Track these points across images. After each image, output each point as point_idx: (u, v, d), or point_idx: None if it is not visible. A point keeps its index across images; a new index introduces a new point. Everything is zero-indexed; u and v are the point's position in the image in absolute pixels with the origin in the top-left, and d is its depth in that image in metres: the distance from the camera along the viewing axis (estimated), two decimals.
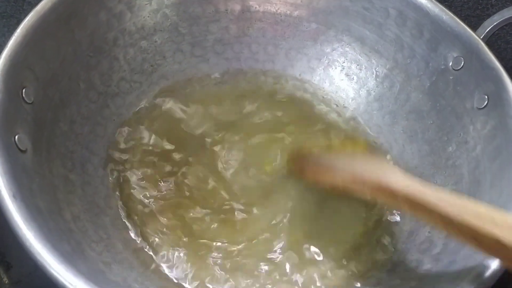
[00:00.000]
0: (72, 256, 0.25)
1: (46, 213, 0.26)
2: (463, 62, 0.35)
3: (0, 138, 0.25)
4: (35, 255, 0.22)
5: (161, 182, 0.35)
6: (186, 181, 0.36)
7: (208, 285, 0.31)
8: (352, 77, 0.42)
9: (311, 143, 0.39)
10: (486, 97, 0.34)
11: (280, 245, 0.33)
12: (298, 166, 0.37)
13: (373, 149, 0.39)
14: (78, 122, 0.34)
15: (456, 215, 0.24)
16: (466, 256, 0.27)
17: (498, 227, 0.23)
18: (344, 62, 0.42)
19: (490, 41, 0.39)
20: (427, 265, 0.30)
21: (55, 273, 0.21)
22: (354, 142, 0.40)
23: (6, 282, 0.34)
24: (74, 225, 0.28)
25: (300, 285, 0.32)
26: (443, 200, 0.25)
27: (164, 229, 0.33)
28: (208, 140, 0.38)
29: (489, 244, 0.23)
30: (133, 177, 0.35)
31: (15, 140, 0.26)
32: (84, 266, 0.25)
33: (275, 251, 0.33)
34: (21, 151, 0.26)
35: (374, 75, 0.41)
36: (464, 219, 0.24)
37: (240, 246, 0.33)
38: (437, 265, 0.29)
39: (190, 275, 0.31)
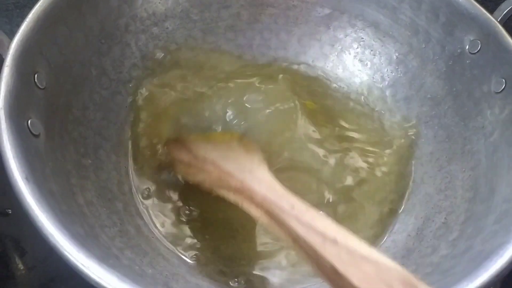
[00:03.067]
0: (85, 240, 0.25)
1: (59, 196, 0.26)
2: (480, 46, 0.35)
3: (12, 121, 0.25)
4: (47, 235, 0.22)
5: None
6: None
7: (223, 269, 0.31)
8: (365, 62, 0.41)
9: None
10: (503, 80, 0.33)
11: None
12: (172, 157, 0.35)
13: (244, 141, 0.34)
14: (90, 108, 0.34)
15: (303, 231, 0.23)
16: (484, 241, 0.27)
17: (337, 250, 0.21)
18: (357, 47, 0.42)
19: (507, 23, 0.38)
20: (443, 251, 0.29)
21: (67, 254, 0.21)
22: (232, 134, 0.36)
23: (21, 268, 0.35)
24: (87, 210, 0.29)
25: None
26: (297, 211, 0.24)
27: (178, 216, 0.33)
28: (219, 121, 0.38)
29: (327, 270, 0.21)
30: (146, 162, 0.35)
31: (27, 124, 0.26)
32: (98, 249, 0.25)
33: None
34: (34, 135, 0.27)
35: (388, 61, 0.40)
36: (309, 237, 0.22)
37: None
38: (454, 251, 0.29)
39: (202, 261, 0.31)
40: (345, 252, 0.21)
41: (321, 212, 0.25)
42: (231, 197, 0.28)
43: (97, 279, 0.21)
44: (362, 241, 0.22)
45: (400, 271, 0.21)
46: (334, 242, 0.22)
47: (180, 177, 0.34)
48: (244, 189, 0.27)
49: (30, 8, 0.29)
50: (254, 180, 0.27)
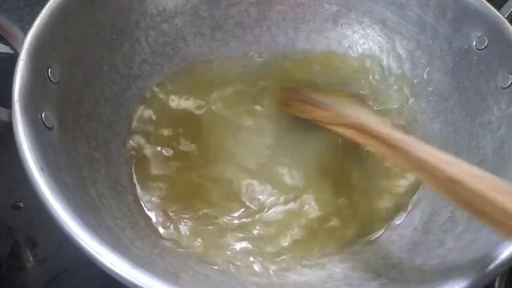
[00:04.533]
0: (98, 229, 0.25)
1: (73, 188, 0.26)
2: (487, 42, 0.35)
3: (27, 114, 0.25)
4: (62, 224, 0.22)
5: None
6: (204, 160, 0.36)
7: (232, 260, 0.31)
8: (373, 59, 0.42)
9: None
10: (510, 76, 0.33)
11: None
12: (287, 98, 0.39)
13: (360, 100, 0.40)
14: (101, 103, 0.34)
15: (418, 153, 0.27)
16: (490, 233, 0.27)
17: (455, 168, 0.25)
18: (365, 44, 0.42)
19: None
20: (449, 244, 0.30)
21: (81, 241, 0.22)
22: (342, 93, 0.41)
23: (33, 259, 0.35)
24: (99, 202, 0.29)
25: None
26: (410, 141, 0.29)
27: (184, 207, 0.34)
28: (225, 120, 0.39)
29: (442, 180, 0.25)
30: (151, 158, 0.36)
31: (41, 117, 0.27)
32: (109, 239, 0.26)
33: None
34: (48, 128, 0.27)
35: (395, 57, 0.41)
36: (424, 157, 0.27)
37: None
38: (460, 244, 0.29)
39: (212, 252, 0.31)
40: (461, 169, 0.25)
41: None
42: (345, 132, 0.33)
43: (110, 266, 0.21)
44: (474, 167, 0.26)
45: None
46: (450, 163, 0.26)
47: (294, 113, 0.38)
48: (361, 125, 0.32)
49: (41, 6, 0.30)
50: (370, 121, 0.32)
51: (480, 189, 0.23)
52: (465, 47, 0.36)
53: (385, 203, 0.35)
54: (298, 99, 0.38)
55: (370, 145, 0.32)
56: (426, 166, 0.27)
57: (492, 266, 0.24)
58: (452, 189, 0.25)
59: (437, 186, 0.26)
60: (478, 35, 0.35)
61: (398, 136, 0.30)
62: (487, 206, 0.23)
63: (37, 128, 0.26)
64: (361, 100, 0.40)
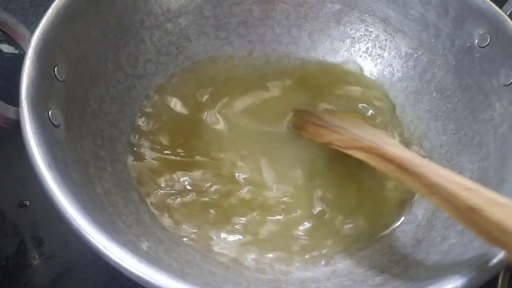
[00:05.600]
0: (105, 226, 0.25)
1: (80, 185, 0.27)
2: (489, 39, 0.35)
3: (34, 111, 0.26)
4: (70, 219, 0.22)
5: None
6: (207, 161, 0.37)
7: (236, 256, 0.32)
8: (375, 57, 0.42)
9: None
10: None
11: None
12: (301, 121, 0.38)
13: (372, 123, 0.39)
14: (107, 101, 0.35)
15: (438, 180, 0.26)
16: None
17: (474, 195, 0.24)
18: (367, 43, 0.42)
19: None
20: (452, 240, 0.30)
21: (89, 237, 0.22)
22: (354, 114, 0.40)
23: (39, 257, 0.35)
24: (105, 199, 0.29)
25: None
26: (430, 167, 0.28)
27: (188, 204, 0.34)
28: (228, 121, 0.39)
29: (463, 210, 0.24)
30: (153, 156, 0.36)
31: (48, 115, 0.27)
32: (116, 235, 0.26)
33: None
34: (55, 125, 0.27)
35: (398, 55, 0.41)
36: (444, 184, 0.26)
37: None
38: (463, 239, 0.29)
39: (215, 248, 0.32)
40: (480, 196, 0.24)
41: None
42: (359, 155, 0.32)
43: (118, 261, 0.22)
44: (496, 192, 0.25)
45: None
46: (470, 189, 0.25)
47: (308, 137, 0.37)
48: (376, 148, 0.31)
49: (45, 6, 0.30)
50: (385, 144, 0.31)
51: (499, 218, 0.23)
52: (468, 45, 0.36)
53: (389, 199, 0.35)
54: (311, 122, 0.37)
55: (386, 169, 0.30)
56: (443, 193, 0.26)
57: (495, 260, 0.24)
58: (471, 218, 0.24)
59: (456, 215, 0.25)
60: (480, 32, 0.35)
61: (415, 160, 0.29)
62: (507, 236, 0.22)
63: (44, 126, 0.26)
64: (374, 122, 0.39)
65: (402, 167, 0.29)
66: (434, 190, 0.26)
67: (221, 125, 0.39)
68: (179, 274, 0.27)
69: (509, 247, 0.23)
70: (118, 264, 0.22)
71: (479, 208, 0.24)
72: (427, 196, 0.27)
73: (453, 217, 0.26)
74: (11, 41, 0.32)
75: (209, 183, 0.35)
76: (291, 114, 0.39)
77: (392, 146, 0.31)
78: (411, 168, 0.28)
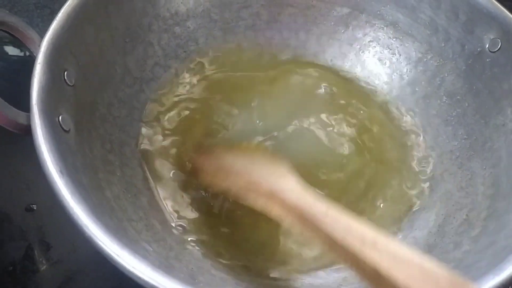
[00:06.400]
0: (116, 232, 0.25)
1: (90, 190, 0.26)
2: (500, 44, 0.35)
3: (45, 116, 0.25)
4: (83, 227, 0.22)
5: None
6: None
7: (247, 263, 0.31)
8: (384, 61, 0.42)
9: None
10: None
11: None
12: (197, 165, 0.34)
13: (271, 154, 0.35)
14: (115, 105, 0.34)
15: (340, 236, 0.23)
16: (508, 236, 0.27)
17: (378, 253, 0.21)
18: (376, 47, 0.42)
19: None
20: (466, 247, 0.30)
21: (101, 244, 0.22)
22: (254, 146, 0.37)
23: (46, 262, 0.35)
24: (114, 203, 0.29)
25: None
26: (331, 218, 0.24)
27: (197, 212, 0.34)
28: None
29: (369, 272, 0.21)
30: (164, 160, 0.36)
31: (59, 120, 0.27)
32: (128, 242, 0.26)
33: None
34: (65, 131, 0.27)
35: (407, 59, 0.41)
36: (347, 242, 0.22)
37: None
38: (476, 247, 0.29)
39: (228, 255, 0.32)
40: (387, 255, 0.21)
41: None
42: (259, 203, 0.28)
43: (131, 269, 0.21)
44: (402, 244, 0.22)
45: (446, 273, 0.20)
46: (374, 245, 0.22)
47: (202, 186, 0.34)
48: (274, 195, 0.27)
49: (50, 8, 0.30)
50: (284, 187, 0.27)
51: (404, 280, 0.20)
52: (478, 49, 0.36)
53: (398, 206, 0.35)
54: (206, 166, 0.33)
55: (287, 221, 0.26)
56: (348, 253, 0.22)
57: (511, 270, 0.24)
58: (378, 281, 0.21)
59: (363, 277, 0.22)
60: (491, 37, 0.35)
61: (316, 209, 0.25)
62: None
63: (55, 131, 0.26)
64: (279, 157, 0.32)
65: (302, 218, 0.25)
66: (339, 249, 0.23)
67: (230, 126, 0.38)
68: (190, 281, 0.27)
69: None
70: (131, 272, 0.21)
71: (383, 268, 0.21)
72: (330, 253, 0.24)
73: (360, 279, 0.23)
74: (16, 43, 0.32)
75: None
76: (191, 153, 0.36)
77: (291, 191, 0.27)
78: (311, 219, 0.25)
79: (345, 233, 0.23)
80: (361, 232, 0.23)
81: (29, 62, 0.27)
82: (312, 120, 0.38)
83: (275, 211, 0.27)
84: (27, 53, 0.32)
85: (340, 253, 0.23)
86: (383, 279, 0.21)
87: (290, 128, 0.38)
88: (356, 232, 0.23)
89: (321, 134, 0.38)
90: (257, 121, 0.38)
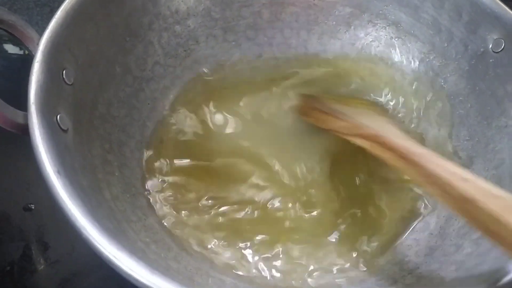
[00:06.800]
0: (114, 233, 0.25)
1: (88, 190, 0.26)
2: (503, 44, 0.34)
3: (43, 116, 0.25)
4: (80, 228, 0.22)
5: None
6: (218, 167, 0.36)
7: (246, 264, 0.31)
8: (386, 61, 0.41)
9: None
10: None
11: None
12: (305, 107, 0.39)
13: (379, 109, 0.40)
14: (115, 105, 0.34)
15: (437, 170, 0.26)
16: None
17: (470, 185, 0.24)
18: (378, 46, 0.42)
19: None
20: (467, 249, 0.29)
21: (99, 246, 0.22)
22: (360, 101, 0.40)
23: (44, 262, 0.35)
24: (113, 204, 0.29)
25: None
26: (432, 159, 0.28)
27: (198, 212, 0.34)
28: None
29: (460, 201, 0.24)
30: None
31: (57, 120, 0.27)
32: (126, 243, 0.25)
33: None
34: (63, 130, 0.27)
35: (409, 60, 0.40)
36: (444, 175, 0.26)
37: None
38: (478, 249, 0.28)
39: (226, 256, 0.31)
40: (477, 187, 0.24)
41: None
42: (362, 142, 0.32)
43: (129, 271, 0.21)
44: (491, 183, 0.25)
45: None
46: (466, 179, 0.25)
47: (311, 122, 0.37)
48: (378, 136, 0.31)
49: (50, 6, 0.30)
50: (387, 133, 0.32)
51: (494, 210, 0.23)
52: (481, 49, 0.36)
53: (401, 207, 0.35)
54: (315, 108, 0.37)
55: (386, 158, 0.31)
56: (440, 182, 0.26)
57: None
58: (465, 208, 0.24)
59: (450, 204, 0.26)
60: (495, 37, 0.35)
61: (415, 150, 0.29)
62: (501, 229, 0.22)
63: (53, 131, 0.25)
64: (381, 108, 0.39)
65: (401, 156, 0.29)
66: (430, 179, 0.27)
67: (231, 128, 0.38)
68: (188, 283, 0.27)
69: (501, 239, 0.23)
70: (129, 275, 0.21)
71: (474, 199, 0.24)
72: (423, 185, 0.28)
73: (449, 207, 0.26)
74: (16, 41, 0.32)
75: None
76: (297, 99, 0.39)
77: (394, 135, 0.31)
78: (409, 157, 0.29)
79: (442, 167, 0.27)
80: (455, 169, 0.26)
81: (29, 60, 0.27)
82: None
83: (376, 149, 0.31)
84: (27, 52, 0.31)
85: (434, 184, 0.27)
86: (469, 203, 0.24)
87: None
88: (450, 167, 0.26)
89: None
90: None
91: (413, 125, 0.39)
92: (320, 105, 0.37)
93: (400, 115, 0.40)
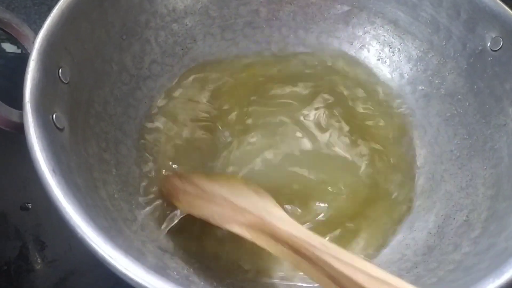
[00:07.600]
0: (110, 233, 0.25)
1: (84, 189, 0.26)
2: (501, 43, 0.34)
3: (38, 115, 0.25)
4: (75, 227, 0.22)
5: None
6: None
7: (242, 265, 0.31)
8: (384, 60, 0.41)
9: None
10: None
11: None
12: (172, 189, 0.33)
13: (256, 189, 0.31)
14: (111, 103, 0.34)
15: (341, 269, 0.23)
16: (508, 238, 0.27)
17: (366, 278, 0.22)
18: (376, 45, 0.41)
19: None
20: (466, 249, 0.29)
21: (94, 246, 0.21)
22: (234, 177, 0.35)
23: (41, 261, 0.35)
24: (109, 203, 0.29)
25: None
26: (331, 253, 0.24)
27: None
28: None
29: None
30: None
31: (52, 118, 0.26)
32: (122, 243, 0.25)
33: None
34: (59, 129, 0.27)
35: (407, 58, 0.40)
36: (350, 275, 0.23)
37: None
38: (476, 248, 0.28)
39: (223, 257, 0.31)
40: (374, 280, 0.22)
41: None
42: (244, 232, 0.27)
43: (124, 271, 0.21)
44: (403, 280, 0.23)
45: None
46: (378, 279, 0.22)
47: (180, 210, 0.32)
48: (265, 225, 0.26)
49: (48, 5, 0.30)
50: (274, 218, 0.27)
51: None
52: (480, 48, 0.36)
53: (397, 206, 0.35)
54: (184, 191, 0.31)
55: (277, 251, 0.26)
56: (349, 285, 0.23)
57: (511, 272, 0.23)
58: None
59: None
60: (493, 36, 0.35)
61: (311, 241, 0.25)
62: None
63: (48, 130, 0.25)
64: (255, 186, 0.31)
65: (296, 249, 0.25)
66: (337, 280, 0.23)
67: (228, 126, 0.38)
68: (185, 283, 0.27)
69: None
70: (124, 274, 0.21)
71: None
72: (322, 283, 0.24)
73: None
74: (13, 40, 0.31)
75: None
76: (160, 180, 0.34)
77: (283, 222, 0.26)
78: (308, 252, 0.24)
79: (347, 265, 0.23)
80: (363, 264, 0.23)
81: (27, 59, 0.27)
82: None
83: (261, 241, 0.26)
84: (24, 51, 0.31)
85: (340, 284, 0.23)
86: None
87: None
88: (358, 264, 0.23)
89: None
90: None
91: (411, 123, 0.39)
92: (188, 186, 0.32)
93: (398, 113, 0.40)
